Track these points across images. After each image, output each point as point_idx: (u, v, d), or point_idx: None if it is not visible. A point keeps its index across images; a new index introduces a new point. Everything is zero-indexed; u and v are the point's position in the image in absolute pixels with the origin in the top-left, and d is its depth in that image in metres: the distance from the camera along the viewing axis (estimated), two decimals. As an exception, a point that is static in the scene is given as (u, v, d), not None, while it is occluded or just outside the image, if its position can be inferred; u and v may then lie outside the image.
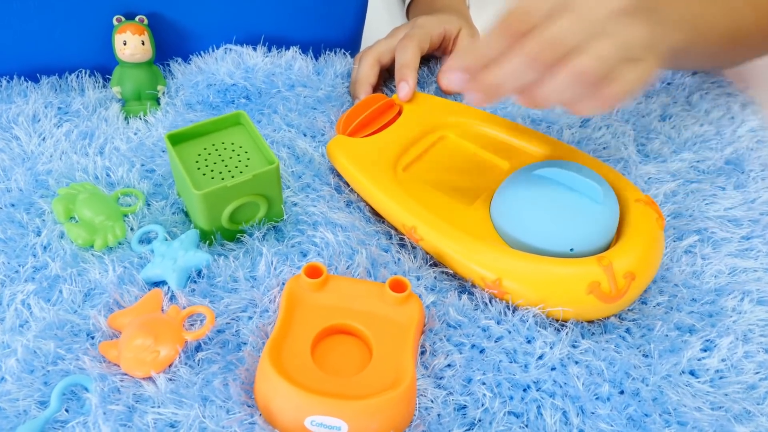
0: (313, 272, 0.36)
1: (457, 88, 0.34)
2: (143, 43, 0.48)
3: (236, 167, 0.40)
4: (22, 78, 0.49)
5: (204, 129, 0.42)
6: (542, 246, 0.39)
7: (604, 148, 0.52)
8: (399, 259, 0.41)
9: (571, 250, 0.38)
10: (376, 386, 0.33)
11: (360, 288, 0.37)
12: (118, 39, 0.47)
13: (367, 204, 0.44)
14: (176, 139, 0.40)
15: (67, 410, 0.32)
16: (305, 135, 0.49)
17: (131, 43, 0.47)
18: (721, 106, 0.57)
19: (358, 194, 0.45)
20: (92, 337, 0.35)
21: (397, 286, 0.36)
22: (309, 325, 0.35)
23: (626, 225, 0.40)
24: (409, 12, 0.66)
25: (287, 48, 0.54)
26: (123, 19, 0.48)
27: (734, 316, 0.39)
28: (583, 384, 0.35)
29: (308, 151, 0.47)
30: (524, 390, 0.35)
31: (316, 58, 0.55)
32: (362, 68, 0.51)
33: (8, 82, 0.49)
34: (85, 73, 0.50)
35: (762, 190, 0.49)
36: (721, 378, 0.37)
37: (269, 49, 0.54)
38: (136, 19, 0.48)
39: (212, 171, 0.40)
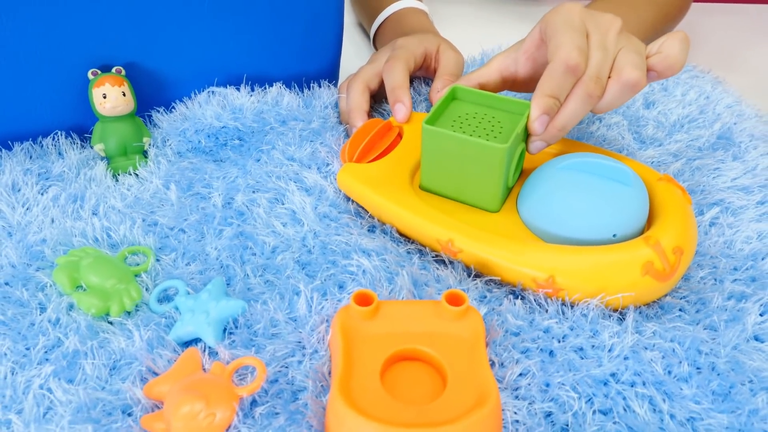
0: (364, 300, 0.34)
1: (542, 130, 0.40)
2: (124, 95, 0.45)
3: (491, 125, 0.41)
4: (-6, 147, 0.45)
5: (436, 114, 0.41)
6: (586, 237, 0.38)
7: (604, 140, 0.52)
8: (440, 276, 0.39)
9: (614, 235, 0.38)
10: (460, 408, 0.30)
11: (414, 309, 0.35)
12: (96, 93, 0.44)
13: (392, 226, 0.42)
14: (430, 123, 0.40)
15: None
16: (310, 167, 0.47)
17: (111, 96, 0.44)
18: (694, 88, 0.59)
19: (379, 219, 0.43)
20: (130, 414, 0.31)
21: (454, 300, 0.34)
22: (372, 357, 0.32)
23: (657, 203, 0.40)
24: (377, 41, 0.66)
25: (270, 85, 0.53)
26: (99, 72, 0.45)
27: (777, 277, 0.39)
28: (661, 368, 0.34)
29: (318, 182, 0.45)
30: (605, 384, 0.33)
31: (302, 92, 0.54)
32: (353, 96, 0.50)
33: (-22, 154, 0.44)
34: (61, 134, 0.47)
35: (758, 157, 0.50)
36: (786, 338, 0.36)
37: (252, 89, 0.52)
38: (113, 70, 0.45)
39: (483, 135, 0.40)
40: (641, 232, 0.39)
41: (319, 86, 0.54)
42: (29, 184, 0.42)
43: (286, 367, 0.33)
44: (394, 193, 0.42)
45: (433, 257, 0.40)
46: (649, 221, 0.40)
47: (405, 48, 0.52)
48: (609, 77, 0.40)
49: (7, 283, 0.36)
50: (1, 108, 0.44)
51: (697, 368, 0.34)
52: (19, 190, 0.42)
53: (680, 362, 0.34)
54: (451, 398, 0.31)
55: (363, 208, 0.44)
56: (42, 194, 0.42)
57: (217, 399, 0.30)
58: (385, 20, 0.64)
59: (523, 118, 0.40)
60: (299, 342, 0.35)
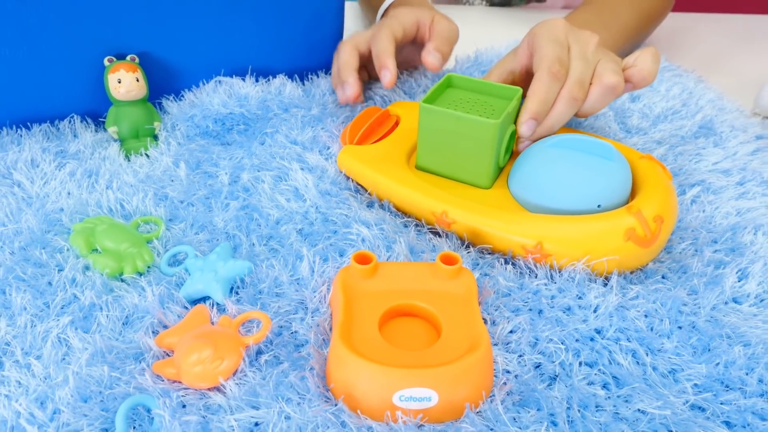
0: (363, 259, 0.36)
1: (530, 134, 0.44)
2: (138, 80, 0.47)
3: (484, 107, 0.43)
4: (13, 127, 0.47)
5: (432, 98, 0.44)
6: (572, 207, 0.40)
7: (591, 129, 0.55)
8: (435, 245, 0.41)
9: (599, 206, 0.40)
10: (454, 353, 0.32)
11: (410, 270, 0.37)
12: (111, 78, 0.47)
13: (390, 202, 0.44)
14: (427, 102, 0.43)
15: (134, 428, 0.29)
16: (312, 150, 0.49)
17: (126, 81, 0.47)
18: (678, 84, 0.62)
19: (377, 196, 0.45)
20: (142, 360, 0.33)
21: (448, 260, 0.36)
22: (371, 310, 0.34)
23: (639, 179, 0.42)
24: None
25: (274, 76, 0.55)
26: (114, 59, 0.48)
27: (755, 247, 0.42)
28: (644, 325, 0.36)
29: (320, 162, 0.47)
30: (591, 339, 0.35)
31: (303, 83, 0.57)
32: (342, 55, 0.53)
33: (-1, 132, 0.47)
34: (77, 118, 0.49)
35: (739, 145, 0.53)
36: (762, 300, 0.38)
37: (257, 79, 0.55)
38: (128, 58, 0.48)
39: (477, 114, 0.42)
40: (627, 204, 0.41)
41: (318, 77, 0.57)
42: (47, 161, 0.44)
43: (290, 323, 0.35)
44: (391, 170, 0.45)
45: (428, 229, 0.43)
46: (632, 196, 0.42)
47: (394, 17, 0.54)
48: (591, 83, 0.44)
49: (26, 247, 0.38)
50: (21, 92, 0.47)
51: (678, 326, 0.36)
52: (37, 166, 0.44)
53: (662, 320, 0.36)
54: (445, 346, 0.33)
55: (362, 187, 0.46)
56: (59, 170, 0.44)
57: (224, 346, 0.32)
58: (387, 8, 0.67)
59: (513, 101, 0.43)
60: (302, 301, 0.36)
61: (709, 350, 0.35)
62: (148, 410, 0.30)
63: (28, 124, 0.48)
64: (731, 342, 0.35)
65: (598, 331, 0.36)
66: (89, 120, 0.50)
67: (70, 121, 0.49)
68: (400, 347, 0.33)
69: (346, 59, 0.52)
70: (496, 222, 0.40)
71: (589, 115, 0.46)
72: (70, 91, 0.48)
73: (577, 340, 0.35)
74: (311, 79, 0.57)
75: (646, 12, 0.69)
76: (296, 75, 0.57)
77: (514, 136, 0.45)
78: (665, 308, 0.37)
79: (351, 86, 0.51)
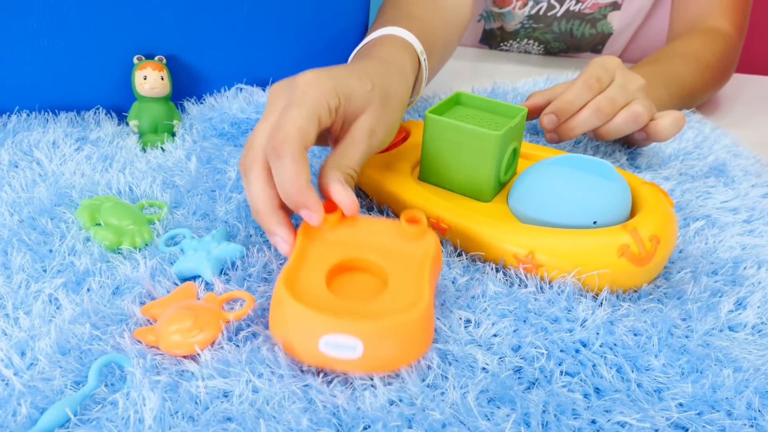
0: (330, 208, 0.36)
1: (550, 126, 0.50)
2: (162, 79, 0.50)
3: (488, 123, 0.44)
4: (42, 112, 0.50)
5: (439, 111, 0.45)
6: (568, 222, 0.40)
7: (599, 160, 0.55)
8: (428, 250, 0.41)
9: (595, 223, 0.40)
10: (391, 309, 0.32)
11: (376, 225, 0.37)
12: (138, 75, 0.50)
13: (389, 207, 0.45)
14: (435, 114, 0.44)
15: (106, 386, 0.29)
16: (320, 157, 0.50)
17: (151, 78, 0.50)
18: (693, 128, 0.62)
19: (377, 200, 0.46)
20: (126, 325, 0.33)
21: (413, 221, 0.36)
22: (324, 259, 0.35)
23: (640, 202, 0.42)
24: None
25: (294, 90, 0.58)
26: (143, 58, 0.51)
27: (755, 279, 0.41)
28: (632, 342, 0.35)
29: (325, 168, 0.49)
30: (576, 351, 0.35)
31: (322, 99, 0.59)
32: (254, 191, 0.36)
33: (28, 115, 0.50)
34: (102, 110, 0.52)
35: (750, 188, 0.52)
36: (759, 331, 0.37)
37: (277, 91, 0.57)
38: (156, 58, 0.51)
39: (480, 127, 0.42)
40: (624, 224, 0.41)
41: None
42: (68, 144, 0.47)
43: (274, 306, 0.36)
44: (392, 177, 0.45)
45: (424, 236, 0.43)
46: (632, 217, 0.42)
47: (302, 103, 0.35)
48: (621, 109, 0.49)
49: (34, 216, 0.40)
50: (53, 80, 0.50)
51: (668, 346, 0.35)
52: (57, 147, 0.47)
53: (651, 338, 0.35)
54: (384, 301, 0.33)
55: (365, 193, 0.47)
56: (77, 152, 0.46)
57: (205, 319, 0.33)
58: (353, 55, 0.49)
59: (517, 117, 0.44)
60: (289, 287, 0.37)
61: (698, 371, 0.34)
62: (123, 369, 0.30)
63: (56, 111, 0.51)
64: (722, 365, 0.34)
65: (584, 343, 0.35)
66: (113, 113, 0.53)
67: (95, 112, 0.52)
68: (343, 297, 0.33)
69: (262, 199, 0.35)
70: (489, 230, 0.40)
71: (609, 136, 0.50)
72: (98, 84, 0.51)
73: (561, 350, 0.35)
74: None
75: (707, 81, 0.71)
76: (315, 90, 0.59)
77: (517, 154, 0.46)
78: (656, 328, 0.36)
79: (284, 240, 0.35)
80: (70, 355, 0.30)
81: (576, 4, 0.81)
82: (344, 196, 0.35)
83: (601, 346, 0.35)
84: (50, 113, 0.51)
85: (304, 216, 0.35)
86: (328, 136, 0.40)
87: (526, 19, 0.83)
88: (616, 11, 0.82)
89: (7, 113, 0.50)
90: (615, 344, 0.35)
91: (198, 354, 0.31)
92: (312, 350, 0.30)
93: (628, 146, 0.58)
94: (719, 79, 0.73)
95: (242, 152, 0.36)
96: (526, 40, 0.87)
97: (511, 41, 0.87)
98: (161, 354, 0.31)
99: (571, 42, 0.86)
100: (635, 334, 0.36)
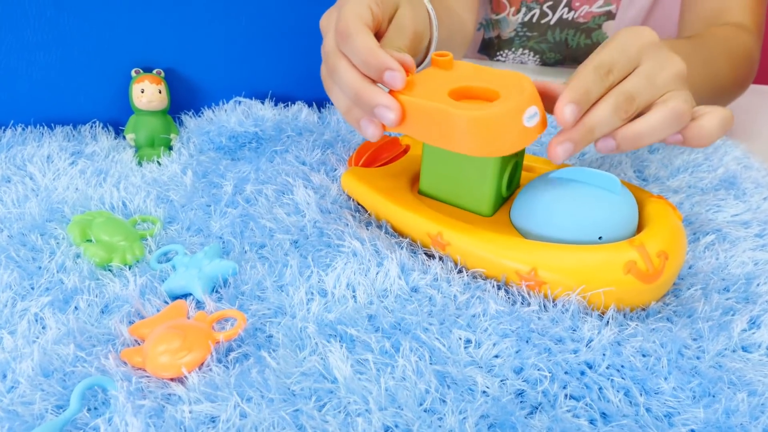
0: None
1: (572, 120, 0.36)
2: (160, 92, 0.50)
3: None
4: (37, 126, 0.50)
5: None
6: (571, 237, 0.39)
7: (605, 173, 0.54)
8: (428, 268, 0.40)
9: (600, 238, 0.38)
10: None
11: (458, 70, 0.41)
12: (135, 88, 0.49)
13: (388, 223, 0.44)
14: None
15: (89, 410, 0.28)
16: (318, 171, 0.49)
17: (148, 91, 0.49)
18: (701, 139, 0.61)
19: (376, 216, 0.45)
20: (113, 345, 0.32)
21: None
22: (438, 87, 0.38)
23: (647, 217, 0.41)
24: None
25: (293, 103, 0.57)
26: (141, 71, 0.50)
27: (770, 297, 0.39)
28: (640, 364, 0.33)
29: (324, 182, 0.48)
30: (581, 373, 0.33)
31: (320, 111, 0.58)
32: (351, 24, 0.37)
33: (23, 129, 0.49)
34: (98, 124, 0.51)
35: (762, 201, 0.51)
36: (775, 352, 0.35)
37: (276, 104, 0.57)
38: (154, 71, 0.51)
39: None
40: (631, 240, 0.40)
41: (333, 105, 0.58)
42: (62, 158, 0.46)
43: (265, 325, 0.34)
44: (392, 191, 0.44)
45: (423, 252, 0.42)
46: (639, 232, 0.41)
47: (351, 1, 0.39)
48: (653, 106, 0.38)
49: (24, 232, 0.39)
50: (49, 94, 0.49)
51: (678, 368, 0.34)
52: (52, 161, 0.46)
53: (660, 359, 0.34)
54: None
55: (364, 208, 0.46)
56: (72, 166, 0.46)
57: (194, 339, 0.31)
58: None
59: None
60: (281, 306, 0.36)
61: (710, 395, 0.32)
62: (107, 392, 0.29)
63: (52, 124, 0.50)
64: (735, 389, 0.32)
65: (590, 365, 0.34)
66: (110, 127, 0.52)
67: (91, 126, 0.51)
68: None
69: (360, 29, 0.37)
70: (490, 245, 0.39)
71: (639, 142, 0.38)
72: (95, 98, 0.51)
73: (566, 372, 0.33)
74: (328, 107, 0.58)
75: (737, 73, 0.62)
76: (315, 103, 0.58)
77: (520, 167, 0.45)
78: (665, 349, 0.34)
79: (390, 107, 0.37)
80: (52, 377, 0.29)
81: (569, 12, 0.79)
82: (400, 57, 0.38)
83: (607, 368, 0.33)
84: (46, 127, 0.50)
85: (388, 80, 0.36)
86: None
87: (520, 26, 0.82)
88: (611, 21, 0.81)
89: (2, 127, 0.50)
90: (622, 366, 0.33)
91: (185, 376, 0.30)
92: (520, 128, 0.36)
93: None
94: (746, 76, 0.64)
95: (322, 64, 0.41)
96: (521, 50, 0.85)
97: (506, 51, 0.86)
98: (147, 376, 0.30)
99: (566, 52, 0.84)
100: (643, 355, 0.34)
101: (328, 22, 0.41)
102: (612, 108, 0.37)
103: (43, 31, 0.47)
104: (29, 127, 0.50)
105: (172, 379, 0.30)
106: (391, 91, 0.38)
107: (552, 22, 0.81)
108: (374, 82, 0.38)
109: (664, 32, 0.80)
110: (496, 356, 0.34)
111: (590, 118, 0.37)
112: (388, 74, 0.36)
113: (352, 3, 0.38)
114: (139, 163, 0.49)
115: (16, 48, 0.47)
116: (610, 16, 0.80)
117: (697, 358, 0.34)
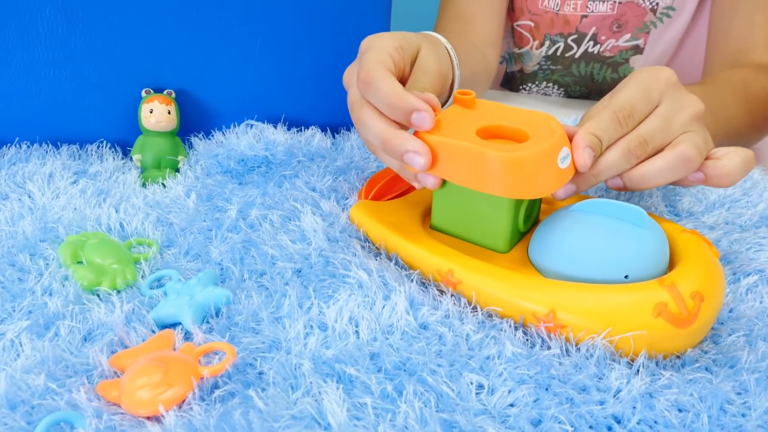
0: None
1: (590, 164, 0.37)
2: (169, 113, 0.48)
3: None
4: (42, 144, 0.49)
5: None
6: (594, 276, 0.35)
7: (634, 207, 0.50)
8: (440, 303, 0.37)
9: (626, 277, 0.35)
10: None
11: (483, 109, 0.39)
12: (144, 108, 0.48)
13: (398, 256, 0.41)
14: None
15: (51, 450, 0.25)
16: (329, 198, 0.47)
17: (158, 112, 0.48)
18: (739, 175, 0.57)
19: (385, 250, 0.42)
20: (89, 377, 0.30)
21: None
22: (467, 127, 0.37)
23: (679, 253, 0.37)
24: None
25: (306, 128, 0.55)
26: (152, 91, 0.49)
27: (824, 348, 0.35)
28: (676, 420, 0.29)
29: (334, 210, 0.45)
30: (608, 429, 0.29)
31: (334, 136, 0.56)
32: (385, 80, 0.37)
33: (28, 147, 0.48)
34: (106, 144, 0.50)
35: (807, 240, 0.47)
36: (833, 412, 0.31)
37: (288, 129, 0.55)
38: (164, 92, 0.49)
39: None
40: (661, 278, 0.36)
41: (349, 131, 0.56)
42: (64, 177, 0.45)
43: (257, 360, 0.31)
44: (402, 225, 0.41)
45: (435, 285, 0.39)
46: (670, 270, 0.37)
47: (373, 48, 0.39)
48: (664, 149, 0.38)
49: (14, 252, 0.37)
50: (56, 112, 0.48)
51: (721, 426, 0.29)
52: (53, 180, 0.44)
53: (699, 415, 0.30)
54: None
55: (372, 241, 0.43)
56: (73, 185, 0.44)
57: (176, 374, 0.29)
58: None
59: None
60: (276, 340, 0.33)
61: (759, 461, 0.28)
62: (74, 429, 0.26)
63: (58, 143, 0.49)
64: (789, 454, 0.28)
65: (618, 420, 0.30)
66: (117, 147, 0.51)
67: (98, 146, 0.50)
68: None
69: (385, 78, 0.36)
70: (504, 284, 0.36)
71: (645, 184, 0.39)
72: (104, 117, 0.50)
73: (590, 427, 0.29)
74: (342, 133, 0.56)
75: (756, 118, 0.62)
76: (329, 128, 0.56)
77: (539, 201, 0.42)
78: (705, 404, 0.30)
79: (419, 152, 0.35)
80: (17, 410, 0.27)
81: (594, 46, 0.77)
82: (425, 96, 0.37)
83: (638, 423, 0.29)
84: (50, 145, 0.49)
85: (416, 121, 0.36)
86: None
87: (544, 60, 0.80)
88: (639, 55, 0.78)
89: (7, 144, 0.49)
90: (655, 421, 0.29)
91: (162, 415, 0.27)
92: (555, 170, 0.35)
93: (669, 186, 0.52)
94: (766, 119, 0.65)
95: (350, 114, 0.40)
96: (545, 83, 0.83)
97: (530, 84, 0.84)
98: (122, 413, 0.27)
99: (592, 86, 0.82)
100: (680, 410, 0.30)
101: (350, 75, 0.42)
102: (624, 153, 0.38)
103: (54, 47, 0.46)
104: (34, 144, 0.49)
105: (148, 418, 0.27)
106: (418, 134, 0.36)
107: (577, 56, 0.78)
108: (402, 126, 0.37)
109: (692, 67, 0.77)
110: (512, 405, 0.30)
111: (600, 162, 0.38)
112: (416, 115, 0.36)
113: (372, 52, 0.39)
114: (144, 185, 0.47)
115: (25, 64, 0.46)
116: (637, 50, 0.77)
117: (743, 415, 0.30)
